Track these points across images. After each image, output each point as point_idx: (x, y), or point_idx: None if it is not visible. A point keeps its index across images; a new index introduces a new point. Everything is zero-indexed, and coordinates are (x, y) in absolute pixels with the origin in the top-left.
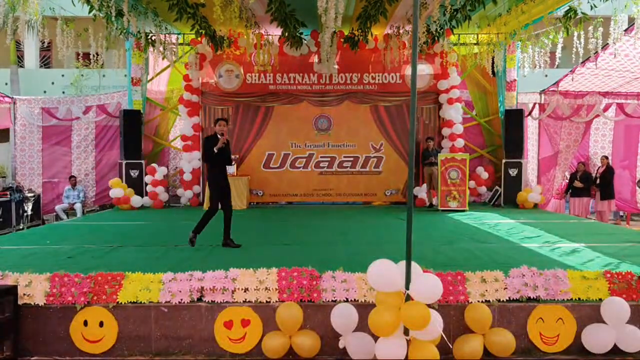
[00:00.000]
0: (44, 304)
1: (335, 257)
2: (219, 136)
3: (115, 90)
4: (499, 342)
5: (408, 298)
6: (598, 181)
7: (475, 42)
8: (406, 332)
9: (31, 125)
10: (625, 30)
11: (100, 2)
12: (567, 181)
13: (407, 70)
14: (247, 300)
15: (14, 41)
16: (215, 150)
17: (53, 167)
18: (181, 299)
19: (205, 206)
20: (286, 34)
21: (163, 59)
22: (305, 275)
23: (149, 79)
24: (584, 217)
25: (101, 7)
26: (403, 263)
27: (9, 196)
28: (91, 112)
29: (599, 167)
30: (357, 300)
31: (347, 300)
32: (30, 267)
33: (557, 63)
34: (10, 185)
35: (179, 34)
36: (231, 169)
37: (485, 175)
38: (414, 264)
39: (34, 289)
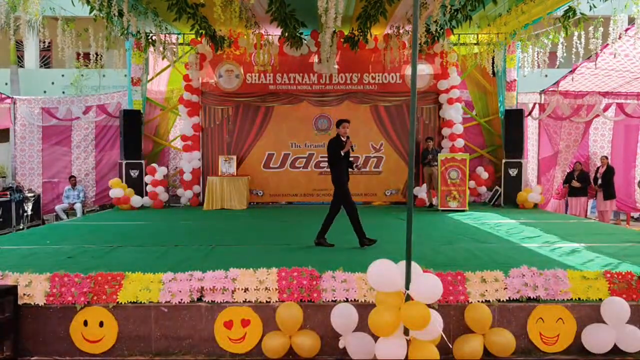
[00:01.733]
0: (44, 304)
1: (335, 257)
2: (342, 138)
3: (115, 90)
4: (499, 342)
5: (408, 298)
6: (599, 181)
7: (475, 42)
8: (406, 332)
9: (31, 125)
10: (626, 30)
11: (100, 2)
12: (563, 181)
13: (407, 70)
14: (247, 300)
15: (14, 41)
16: (342, 152)
17: (53, 167)
18: (181, 299)
19: (206, 206)
20: (286, 34)
21: (163, 59)
22: (305, 275)
23: (149, 79)
24: (582, 217)
25: (101, 7)
26: (403, 263)
27: (9, 196)
28: (91, 112)
29: (599, 167)
30: (357, 300)
31: (347, 300)
32: (30, 267)
33: (557, 63)
34: (10, 185)
35: (179, 34)
36: (231, 169)
37: (485, 175)
38: (414, 264)
39: (34, 289)
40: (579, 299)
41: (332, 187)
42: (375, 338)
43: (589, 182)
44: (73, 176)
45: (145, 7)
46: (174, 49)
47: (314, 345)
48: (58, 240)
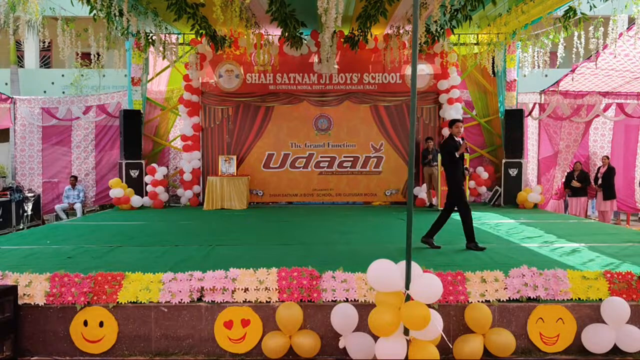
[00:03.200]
0: (44, 304)
1: (335, 257)
2: (456, 139)
3: (115, 90)
4: (499, 342)
5: (408, 298)
6: (600, 181)
7: (475, 42)
8: (406, 332)
9: (31, 125)
10: (627, 30)
11: (100, 2)
12: (563, 181)
13: (407, 70)
14: (247, 300)
15: (14, 41)
16: (457, 154)
17: (53, 167)
18: (181, 299)
19: (206, 206)
20: (286, 34)
21: (163, 59)
22: (305, 275)
23: (149, 79)
24: (582, 217)
25: (102, 7)
26: (403, 263)
27: (9, 196)
28: (91, 112)
29: (600, 167)
30: (357, 300)
31: (347, 300)
32: (30, 267)
33: (558, 63)
34: (10, 185)
35: (179, 34)
36: (231, 169)
37: (485, 175)
38: (414, 264)
39: (34, 289)
40: (579, 299)
41: (332, 187)
42: (375, 338)
43: (589, 182)
44: (74, 176)
45: (145, 7)
46: (174, 49)
47: (314, 345)
48: (58, 240)
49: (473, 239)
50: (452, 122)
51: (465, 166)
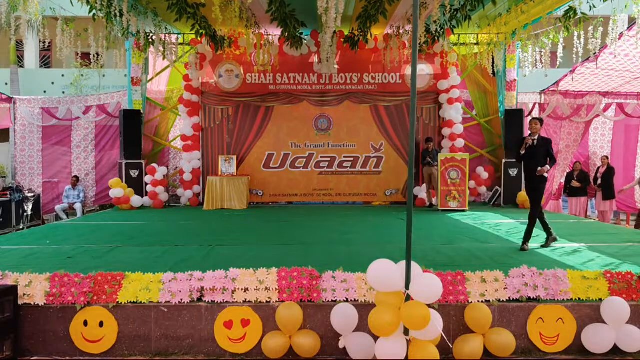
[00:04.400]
0: (44, 304)
1: (335, 257)
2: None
3: (115, 90)
4: (499, 342)
5: (408, 298)
6: (599, 181)
7: (475, 42)
8: (406, 332)
9: (31, 125)
10: (628, 29)
11: (100, 2)
12: (564, 181)
13: (407, 70)
14: (247, 300)
15: (14, 41)
16: (521, 151)
17: (53, 167)
18: (181, 299)
19: (206, 206)
20: (286, 34)
21: (163, 59)
22: (305, 275)
23: (149, 79)
24: (582, 217)
25: (102, 7)
26: (403, 263)
27: (9, 196)
28: (91, 112)
29: (599, 167)
30: (357, 300)
31: (347, 300)
32: (30, 267)
33: (558, 63)
34: (10, 185)
35: (179, 34)
36: (231, 169)
37: (485, 175)
38: (414, 264)
39: (34, 289)
40: (579, 299)
41: (332, 187)
42: (375, 338)
43: (588, 182)
44: (76, 176)
45: (145, 7)
46: (174, 49)
47: (314, 345)
48: (58, 240)
49: (528, 237)
50: (530, 121)
51: (545, 165)
